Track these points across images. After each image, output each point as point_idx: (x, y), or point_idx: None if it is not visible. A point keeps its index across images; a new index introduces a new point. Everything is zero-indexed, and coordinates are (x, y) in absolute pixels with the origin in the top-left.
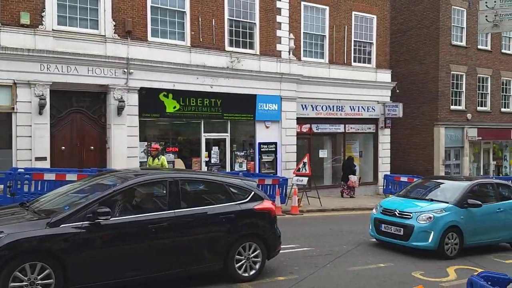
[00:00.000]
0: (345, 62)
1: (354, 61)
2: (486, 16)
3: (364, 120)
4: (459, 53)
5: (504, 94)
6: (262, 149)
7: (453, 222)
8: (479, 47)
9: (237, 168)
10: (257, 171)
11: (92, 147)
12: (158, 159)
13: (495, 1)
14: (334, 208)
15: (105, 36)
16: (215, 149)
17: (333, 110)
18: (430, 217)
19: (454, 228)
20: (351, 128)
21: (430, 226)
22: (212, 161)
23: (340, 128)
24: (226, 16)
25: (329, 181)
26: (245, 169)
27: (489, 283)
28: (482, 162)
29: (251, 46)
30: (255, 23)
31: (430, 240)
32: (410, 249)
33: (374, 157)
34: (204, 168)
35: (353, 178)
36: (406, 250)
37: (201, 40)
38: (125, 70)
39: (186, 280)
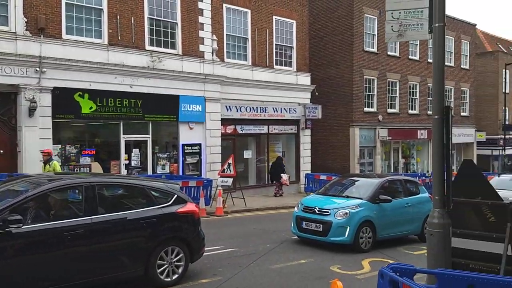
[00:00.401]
0: (268, 64)
1: (276, 64)
2: (392, 26)
3: (287, 121)
4: (371, 58)
5: (411, 97)
6: (186, 151)
7: (366, 217)
8: (389, 53)
9: (159, 170)
10: (180, 173)
11: (1, 151)
12: (50, 164)
13: (399, 13)
14: (258, 208)
15: (15, 33)
16: (135, 151)
17: (257, 112)
18: (346, 213)
19: (367, 222)
20: (274, 129)
21: (346, 222)
22: (133, 164)
23: (264, 129)
24: (146, 15)
25: (254, 181)
26: (168, 172)
27: (398, 274)
28: (392, 160)
29: (173, 46)
30: (176, 22)
31: (346, 235)
32: (329, 244)
33: (296, 157)
34: (124, 172)
35: (285, 176)
36: (326, 245)
37: (119, 38)
38: (38, 69)
39: (105, 286)
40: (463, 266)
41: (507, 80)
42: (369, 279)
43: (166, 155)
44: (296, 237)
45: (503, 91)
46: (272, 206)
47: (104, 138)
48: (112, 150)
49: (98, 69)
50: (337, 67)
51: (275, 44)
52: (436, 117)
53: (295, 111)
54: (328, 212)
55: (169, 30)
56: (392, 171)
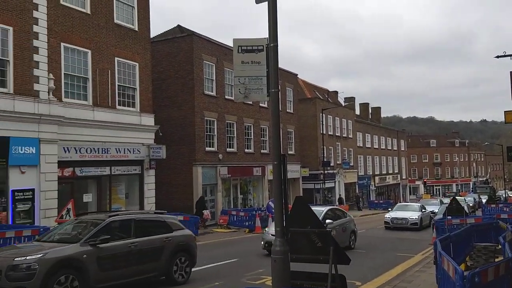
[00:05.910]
0: (110, 105)
1: (119, 104)
2: (239, 89)
3: (130, 162)
4: (210, 101)
5: (247, 137)
6: (16, 197)
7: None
8: (226, 97)
9: None
10: (10, 222)
11: None
12: None
13: (245, 79)
14: None
15: None
16: None
17: (98, 153)
18: None
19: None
20: (117, 170)
21: None
22: None
23: (106, 171)
24: None
25: None
26: None
27: None
28: (232, 196)
29: (3, 85)
30: (8, 60)
31: None
32: None
33: (140, 197)
34: None
35: (206, 212)
36: None
37: None
38: None
39: None
40: (300, 287)
41: (324, 123)
42: None
43: None
44: None
45: (321, 132)
46: None
47: None
48: None
49: None
50: (180, 109)
51: (118, 84)
52: (275, 163)
53: (139, 151)
54: None
55: None
56: (232, 206)
